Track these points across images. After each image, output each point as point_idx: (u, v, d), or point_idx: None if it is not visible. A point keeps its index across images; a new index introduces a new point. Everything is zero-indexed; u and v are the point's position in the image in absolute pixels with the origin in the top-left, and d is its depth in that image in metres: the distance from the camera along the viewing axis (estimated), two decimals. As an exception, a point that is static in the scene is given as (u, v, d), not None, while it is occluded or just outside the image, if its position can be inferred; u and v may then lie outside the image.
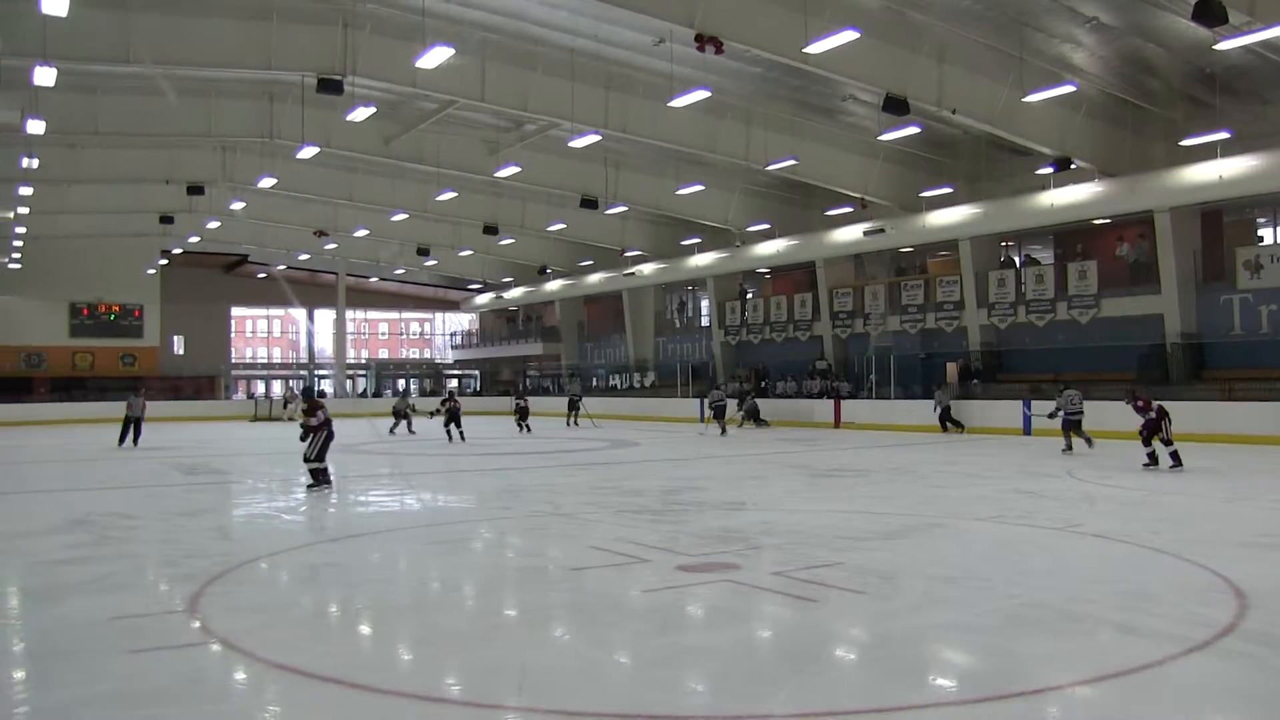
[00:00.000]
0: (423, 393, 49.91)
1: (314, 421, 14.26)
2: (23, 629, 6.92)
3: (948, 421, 26.72)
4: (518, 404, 31.27)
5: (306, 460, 14.37)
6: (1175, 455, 15.82)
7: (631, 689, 5.34)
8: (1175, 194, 24.76)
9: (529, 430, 29.51)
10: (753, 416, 31.13)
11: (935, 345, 32.36)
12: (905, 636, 6.24)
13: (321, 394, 33.77)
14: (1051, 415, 19.81)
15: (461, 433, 25.42)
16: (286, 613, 7.24)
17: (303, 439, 14.40)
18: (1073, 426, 19.59)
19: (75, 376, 44.79)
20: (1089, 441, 19.38)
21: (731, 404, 30.58)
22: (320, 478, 14.40)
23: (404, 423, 30.15)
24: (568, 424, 33.44)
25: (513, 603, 7.55)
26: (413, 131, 27.46)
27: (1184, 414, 22.69)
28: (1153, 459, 15.99)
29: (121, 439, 24.14)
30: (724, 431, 27.94)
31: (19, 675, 5.81)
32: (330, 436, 14.42)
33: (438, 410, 26.90)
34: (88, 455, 22.27)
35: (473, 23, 20.91)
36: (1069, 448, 19.66)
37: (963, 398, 28.48)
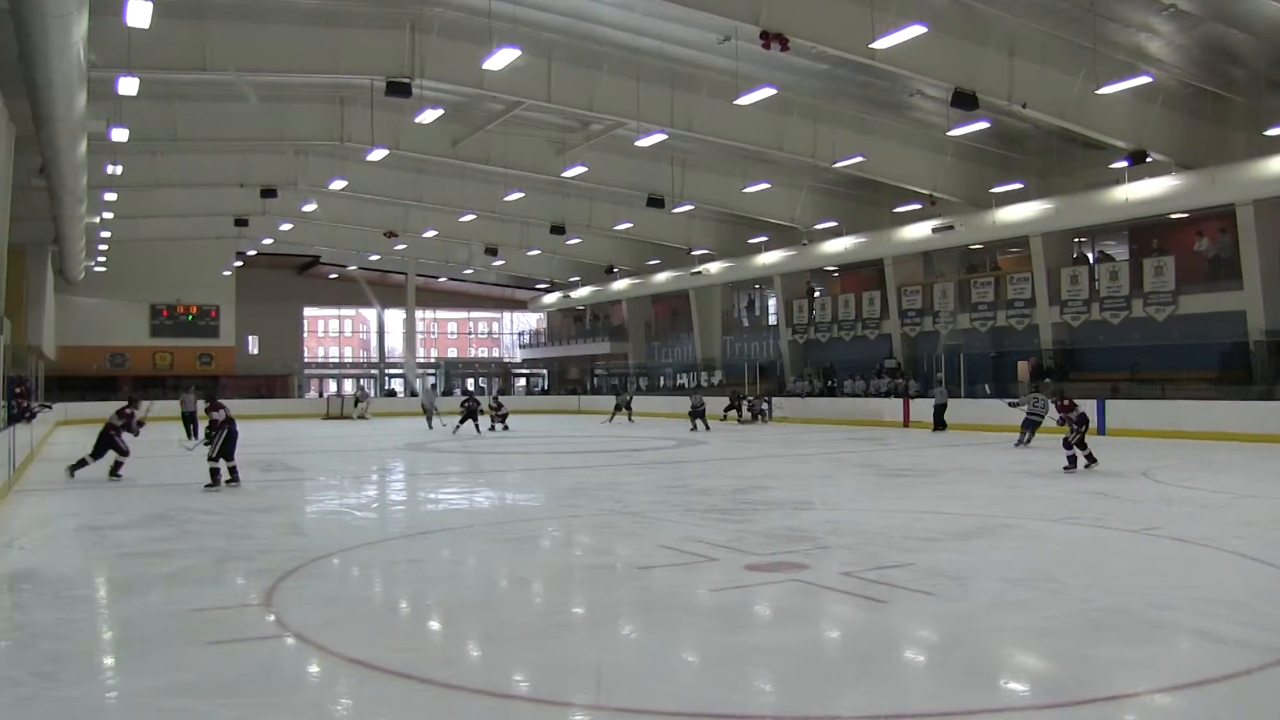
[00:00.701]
0: (498, 391, 50.34)
1: (218, 418, 14.30)
2: (109, 618, 7.16)
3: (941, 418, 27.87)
4: (464, 403, 30.51)
5: (209, 460, 14.29)
6: (1075, 459, 15.89)
7: (699, 688, 5.34)
8: (1259, 186, 24.00)
9: (468, 430, 29.02)
10: (756, 414, 33.66)
11: (1006, 343, 31.82)
12: (976, 639, 6.16)
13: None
14: (1012, 404, 22.30)
15: (477, 426, 26.50)
16: (358, 608, 7.37)
17: (206, 441, 14.49)
18: (1031, 426, 20.95)
19: (156, 375, 45.94)
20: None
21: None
22: (216, 478, 14.26)
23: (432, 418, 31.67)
24: (609, 420, 34.92)
25: (581, 601, 7.59)
26: (480, 133, 27.70)
27: (1267, 415, 22.20)
28: (1073, 462, 15.86)
29: (191, 434, 24.64)
30: (700, 428, 29.24)
31: (108, 662, 6.05)
32: (233, 436, 14.35)
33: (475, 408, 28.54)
34: (167, 451, 22.81)
35: (538, 24, 21.04)
36: (1023, 443, 20.87)
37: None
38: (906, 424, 29.83)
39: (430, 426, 30.73)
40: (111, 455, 15.91)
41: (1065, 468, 15.80)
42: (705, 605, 7.11)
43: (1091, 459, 15.92)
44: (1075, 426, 15.95)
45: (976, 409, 27.96)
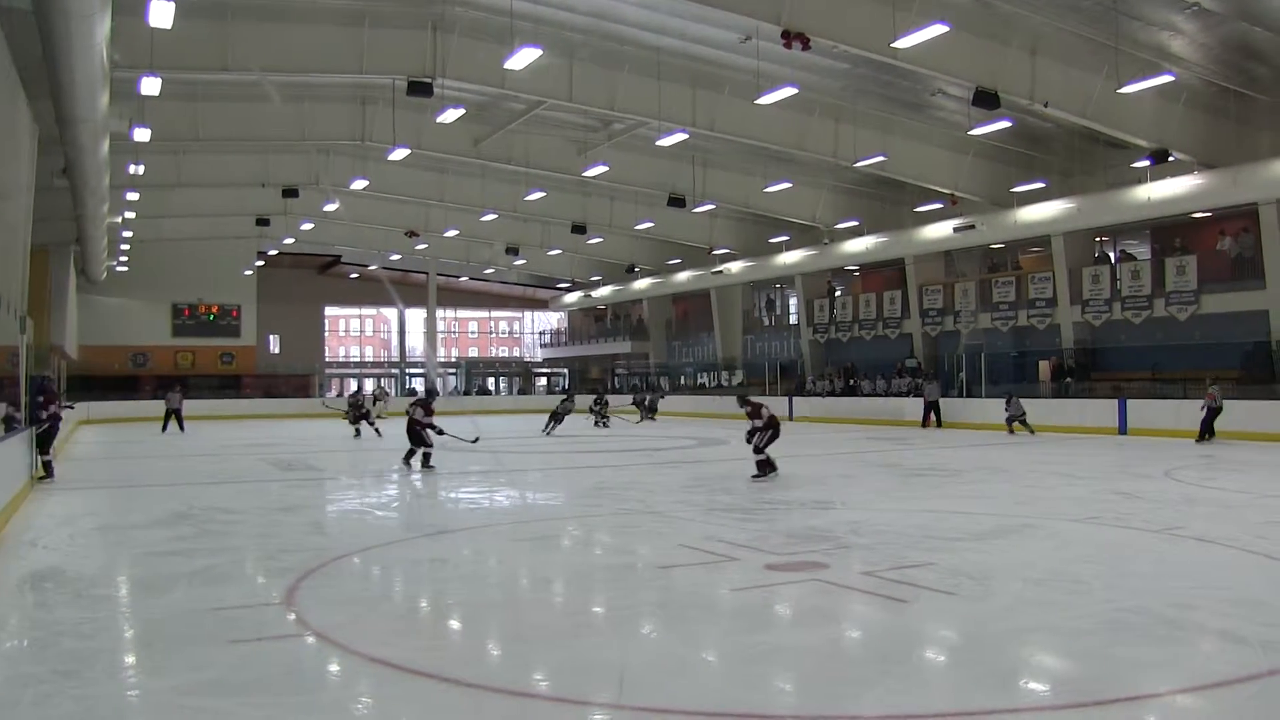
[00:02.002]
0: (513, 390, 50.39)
1: (44, 414, 15.29)
2: (132, 617, 7.21)
3: (932, 413, 28.79)
4: (351, 400, 29.78)
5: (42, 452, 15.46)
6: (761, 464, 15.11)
7: (720, 687, 5.33)
8: (1283, 185, 23.82)
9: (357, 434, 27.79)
10: (651, 411, 35.14)
11: (1027, 343, 31.67)
12: (998, 639, 6.13)
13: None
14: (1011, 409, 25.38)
15: (358, 430, 27.17)
16: (379, 607, 7.40)
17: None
18: (1018, 420, 24.90)
19: (177, 375, 46.22)
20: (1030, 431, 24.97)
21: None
22: (49, 469, 15.49)
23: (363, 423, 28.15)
24: (637, 421, 34.92)
25: (602, 600, 7.60)
26: (502, 132, 27.76)
27: (1292, 414, 22.02)
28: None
29: (164, 427, 27.64)
30: (551, 428, 28.86)
31: (129, 661, 6.09)
32: (54, 430, 15.63)
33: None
34: (190, 450, 22.99)
35: (560, 24, 21.07)
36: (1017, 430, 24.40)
37: (1056, 396, 28.09)
38: (926, 424, 29.71)
39: (357, 434, 27.60)
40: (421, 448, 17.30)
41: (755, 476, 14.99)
42: (726, 605, 7.11)
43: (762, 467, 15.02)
44: (766, 432, 15.05)
45: (997, 408, 27.83)
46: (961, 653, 5.97)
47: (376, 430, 26.73)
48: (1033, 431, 24.82)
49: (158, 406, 31.66)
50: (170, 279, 47.23)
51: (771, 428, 15.04)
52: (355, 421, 27.84)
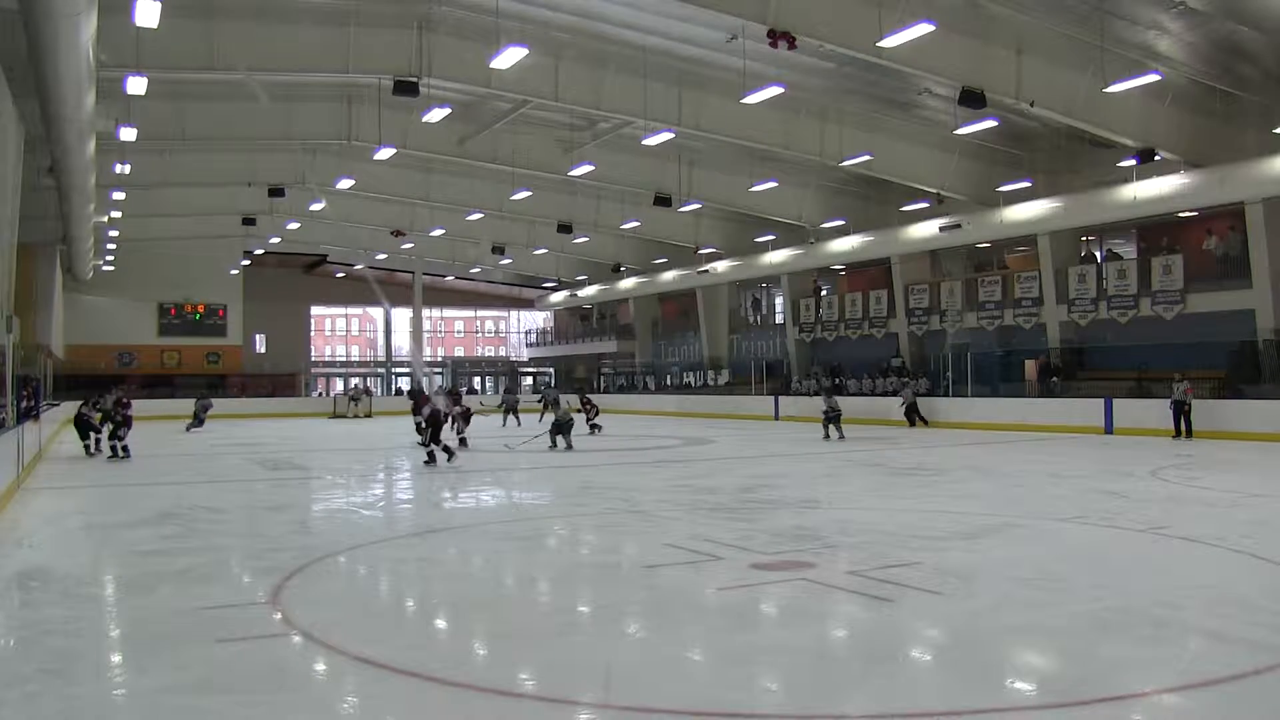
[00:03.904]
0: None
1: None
2: (118, 616, 7.20)
3: (915, 416, 28.65)
4: (199, 401, 30.99)
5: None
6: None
7: (705, 687, 5.33)
8: (1268, 184, 23.87)
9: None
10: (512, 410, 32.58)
11: (1013, 342, 31.75)
12: (984, 638, 6.15)
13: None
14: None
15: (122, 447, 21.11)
16: (365, 606, 7.38)
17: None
18: (832, 420, 24.33)
19: (163, 374, 46.06)
20: (841, 436, 24.18)
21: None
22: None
23: None
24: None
25: (588, 600, 7.59)
26: (487, 131, 27.71)
27: (1276, 414, 22.10)
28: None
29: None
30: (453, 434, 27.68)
31: (116, 660, 6.06)
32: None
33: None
34: (176, 450, 22.90)
35: (546, 23, 21.04)
36: (827, 437, 23.80)
37: (1042, 395, 28.21)
38: (914, 424, 29.77)
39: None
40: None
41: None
42: (712, 604, 7.11)
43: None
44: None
45: (993, 407, 27.98)
46: (947, 652, 5.98)
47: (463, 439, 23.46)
48: (843, 436, 23.90)
49: (144, 406, 31.77)
50: (156, 278, 47.03)
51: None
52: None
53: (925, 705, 4.99)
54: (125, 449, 19.66)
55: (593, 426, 27.23)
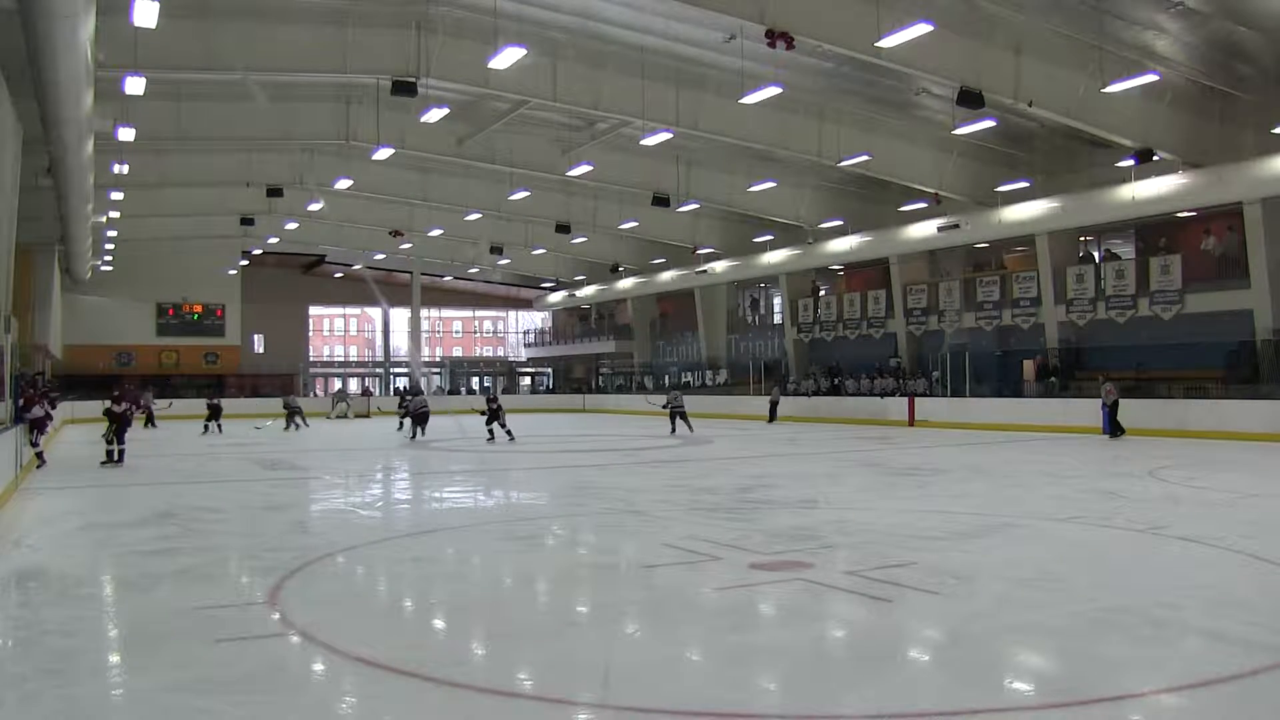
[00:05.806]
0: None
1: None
2: (115, 616, 7.19)
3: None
4: (142, 402, 31.13)
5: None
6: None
7: (704, 687, 5.33)
8: (1266, 184, 23.88)
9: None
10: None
11: (1012, 342, 31.76)
12: (981, 638, 6.15)
13: (410, 394, 33.74)
14: (664, 406, 27.21)
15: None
16: (363, 606, 7.38)
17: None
18: (680, 415, 26.52)
19: (162, 374, 46.01)
20: (690, 428, 26.34)
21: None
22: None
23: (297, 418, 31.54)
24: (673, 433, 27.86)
25: (586, 599, 7.59)
26: (485, 132, 27.69)
27: (1274, 414, 22.12)
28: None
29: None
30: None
31: (113, 660, 6.05)
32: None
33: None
34: (174, 450, 22.88)
35: (544, 23, 21.05)
36: (674, 431, 25.91)
37: (1040, 395, 28.25)
38: (912, 423, 29.80)
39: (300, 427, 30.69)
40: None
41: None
42: (710, 604, 7.10)
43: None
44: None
45: (991, 408, 27.98)
46: (945, 652, 5.98)
47: (508, 433, 24.01)
48: (691, 429, 26.22)
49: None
50: (155, 278, 47.06)
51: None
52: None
53: (924, 705, 4.99)
54: (121, 453, 18.96)
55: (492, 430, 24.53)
